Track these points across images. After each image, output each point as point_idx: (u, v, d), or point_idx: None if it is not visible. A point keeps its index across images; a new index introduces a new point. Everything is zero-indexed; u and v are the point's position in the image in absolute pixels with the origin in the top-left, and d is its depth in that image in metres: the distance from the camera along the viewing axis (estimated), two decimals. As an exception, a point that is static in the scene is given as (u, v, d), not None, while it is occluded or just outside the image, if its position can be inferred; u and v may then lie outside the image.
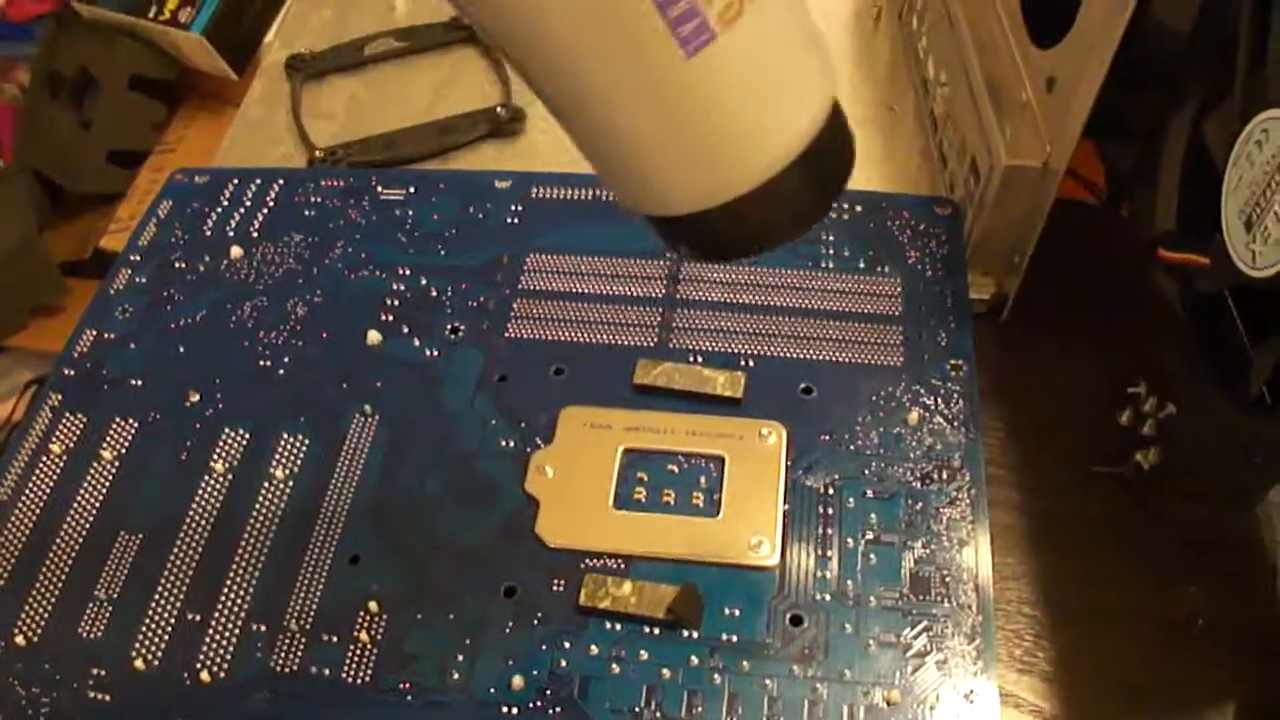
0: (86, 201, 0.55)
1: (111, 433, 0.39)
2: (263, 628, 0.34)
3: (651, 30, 0.20)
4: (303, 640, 0.34)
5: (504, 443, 0.38)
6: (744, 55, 0.21)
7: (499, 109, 0.52)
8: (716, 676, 0.33)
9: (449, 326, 0.41)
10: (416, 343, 0.41)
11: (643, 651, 0.33)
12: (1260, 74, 0.32)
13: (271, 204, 0.46)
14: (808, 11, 0.23)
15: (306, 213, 0.46)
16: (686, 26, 0.20)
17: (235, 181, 0.47)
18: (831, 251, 0.42)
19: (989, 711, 0.32)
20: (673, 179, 0.23)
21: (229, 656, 0.34)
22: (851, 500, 0.36)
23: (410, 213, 0.45)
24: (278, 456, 0.38)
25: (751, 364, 0.39)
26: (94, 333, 0.42)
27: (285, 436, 0.39)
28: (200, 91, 0.59)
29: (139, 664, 0.34)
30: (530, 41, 0.21)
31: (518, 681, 0.33)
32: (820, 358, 0.39)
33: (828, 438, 0.37)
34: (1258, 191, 0.31)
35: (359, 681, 0.33)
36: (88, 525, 0.37)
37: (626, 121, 0.22)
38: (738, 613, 0.34)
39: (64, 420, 0.40)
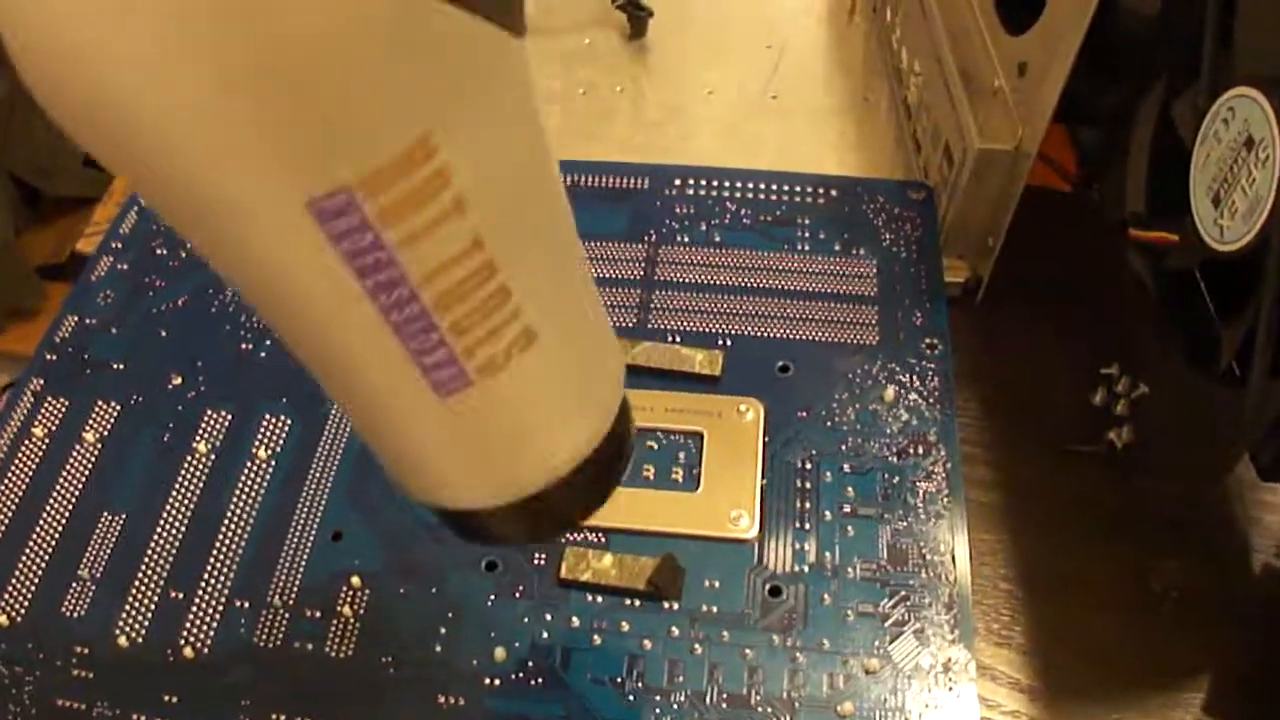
0: (63, 205, 0.54)
1: (94, 415, 0.39)
2: (246, 604, 0.34)
3: (406, 372, 0.19)
4: (286, 615, 0.34)
5: (485, 421, 0.38)
6: (500, 402, 0.20)
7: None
8: (697, 647, 0.33)
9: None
10: (398, 325, 0.41)
11: (624, 623, 0.33)
12: (1227, 54, 0.33)
13: (253, 191, 0.46)
14: (591, 349, 0.23)
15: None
16: (441, 373, 0.19)
17: (217, 170, 0.47)
18: (807, 234, 0.43)
19: (966, 679, 0.32)
20: (424, 482, 0.23)
21: (212, 632, 0.34)
22: (829, 475, 0.36)
23: (392, 199, 0.45)
24: (260, 437, 0.38)
25: (729, 343, 0.40)
26: (76, 318, 0.42)
27: (267, 417, 0.39)
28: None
29: (122, 641, 0.34)
30: (301, 349, 0.20)
31: (500, 653, 0.33)
32: (797, 337, 0.40)
33: (805, 414, 0.38)
34: (1224, 168, 0.32)
35: (342, 655, 0.33)
36: (70, 506, 0.37)
37: (383, 428, 0.22)
38: (718, 584, 0.34)
39: (46, 404, 0.40)
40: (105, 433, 0.39)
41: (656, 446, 0.37)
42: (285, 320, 0.19)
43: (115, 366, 0.41)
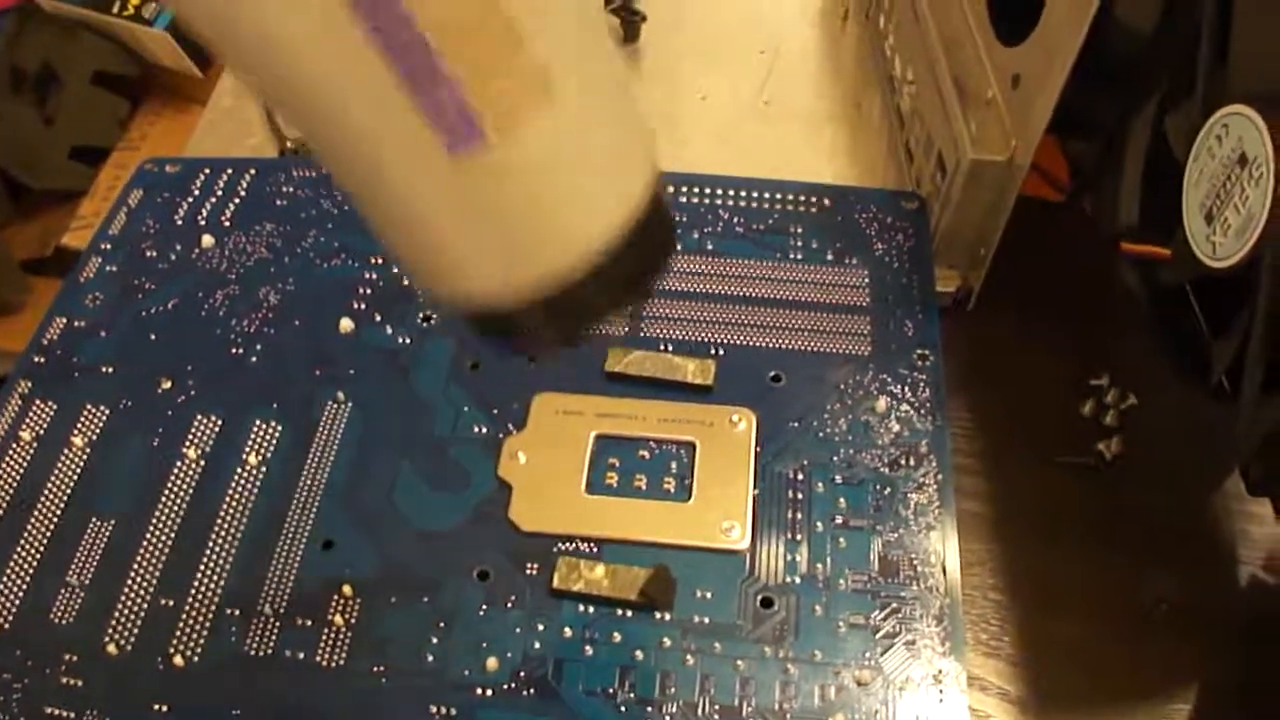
0: (49, 198, 0.54)
1: (83, 419, 0.39)
2: (236, 612, 0.34)
3: (417, 132, 0.18)
4: (277, 624, 0.34)
5: (477, 429, 0.38)
6: (524, 163, 0.19)
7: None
8: (689, 658, 0.33)
9: (421, 315, 0.41)
10: (389, 330, 0.41)
11: (616, 633, 0.33)
12: (1221, 72, 0.33)
13: (243, 193, 0.46)
14: (623, 109, 0.22)
15: (278, 202, 0.46)
16: (452, 126, 0.18)
17: (206, 171, 0.47)
18: (799, 243, 0.43)
19: (957, 691, 0.32)
20: (453, 275, 0.22)
21: (203, 640, 0.34)
22: (820, 485, 0.36)
23: (382, 203, 0.45)
24: (251, 443, 0.38)
25: (721, 352, 0.40)
26: (64, 320, 0.42)
27: (258, 423, 0.39)
28: (164, 88, 0.58)
29: (111, 649, 0.34)
30: (318, 134, 0.20)
31: (492, 663, 0.33)
32: (789, 346, 0.40)
33: (797, 424, 0.38)
34: (1218, 185, 0.32)
35: (333, 665, 0.33)
36: (59, 511, 0.37)
37: (403, 214, 0.21)
38: (709, 595, 0.34)
39: (34, 407, 0.39)
40: (94, 437, 0.39)
41: (648, 456, 0.37)
42: (304, 99, 0.18)
43: (104, 370, 0.41)
